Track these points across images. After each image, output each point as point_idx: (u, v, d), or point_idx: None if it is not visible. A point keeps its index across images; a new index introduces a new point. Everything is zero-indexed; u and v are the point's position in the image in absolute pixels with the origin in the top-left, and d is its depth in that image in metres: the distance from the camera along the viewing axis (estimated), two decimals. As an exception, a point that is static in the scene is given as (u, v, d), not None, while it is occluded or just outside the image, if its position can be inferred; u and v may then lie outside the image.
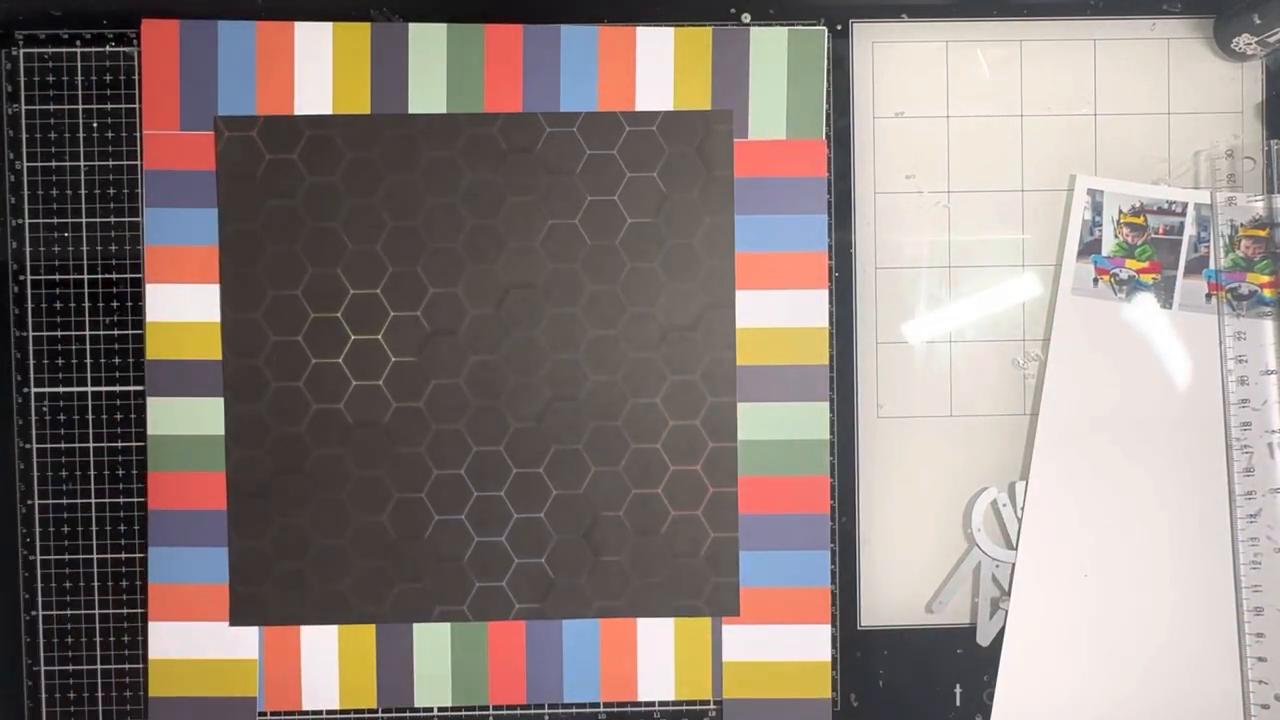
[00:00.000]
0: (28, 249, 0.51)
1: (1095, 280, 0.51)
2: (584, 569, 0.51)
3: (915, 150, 0.52)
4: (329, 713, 0.51)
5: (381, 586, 0.51)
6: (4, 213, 0.51)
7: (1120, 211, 0.50)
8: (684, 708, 0.52)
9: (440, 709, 0.51)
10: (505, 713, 0.51)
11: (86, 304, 0.51)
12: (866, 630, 0.52)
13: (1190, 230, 0.50)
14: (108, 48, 0.51)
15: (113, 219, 0.51)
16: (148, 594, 0.51)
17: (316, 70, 0.50)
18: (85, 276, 0.51)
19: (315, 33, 0.50)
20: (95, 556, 0.51)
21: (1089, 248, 0.51)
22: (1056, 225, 0.52)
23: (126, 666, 0.51)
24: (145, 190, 0.51)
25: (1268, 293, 0.50)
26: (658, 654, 0.51)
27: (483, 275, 0.51)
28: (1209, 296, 0.51)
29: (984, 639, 0.52)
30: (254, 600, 0.51)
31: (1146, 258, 0.50)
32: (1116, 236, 0.50)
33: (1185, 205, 0.49)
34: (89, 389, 0.51)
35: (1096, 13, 0.52)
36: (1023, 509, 0.51)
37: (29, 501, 0.51)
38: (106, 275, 0.51)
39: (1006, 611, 0.52)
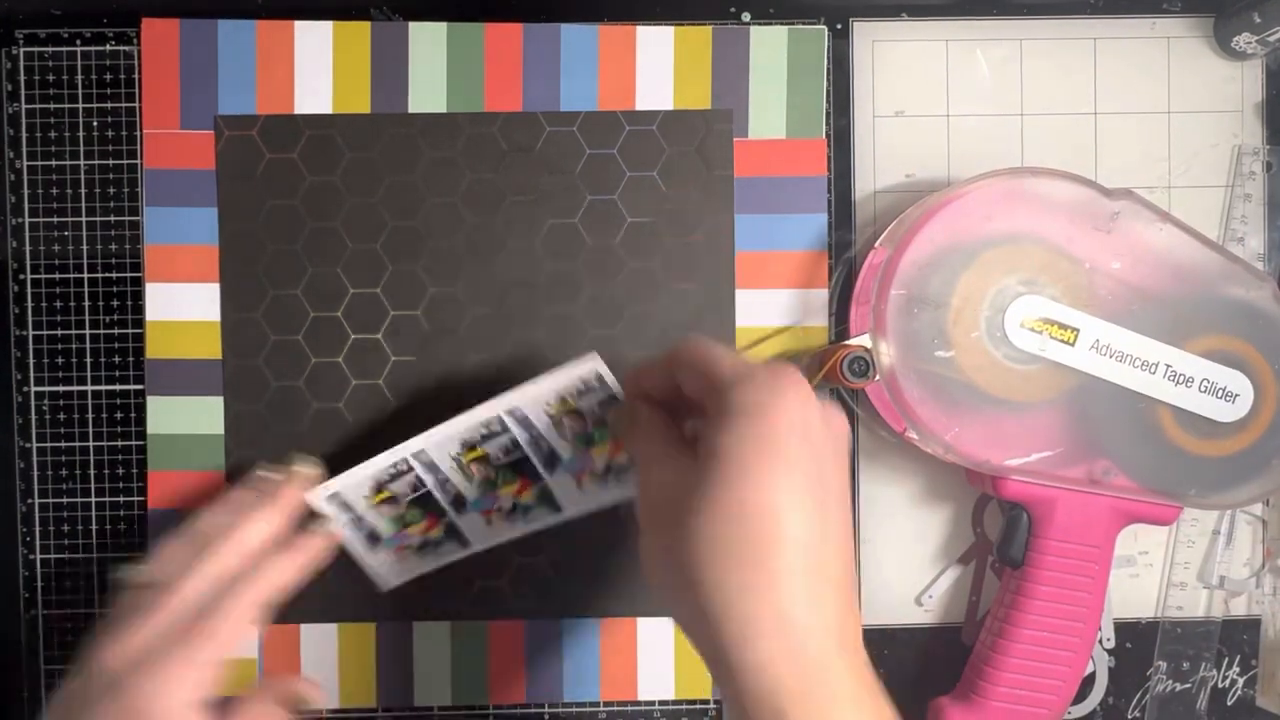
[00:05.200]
0: (28, 248, 0.51)
1: None
2: (584, 569, 0.51)
3: (915, 149, 0.52)
4: (329, 712, 0.51)
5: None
6: (4, 212, 0.51)
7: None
8: (684, 707, 0.52)
9: (440, 708, 0.51)
10: (505, 712, 0.51)
11: (86, 303, 0.51)
12: (866, 629, 0.52)
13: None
14: (108, 47, 0.51)
15: (113, 218, 0.51)
16: (148, 593, 0.51)
17: (317, 70, 0.50)
18: (85, 276, 0.51)
19: (315, 32, 0.50)
20: (95, 556, 0.51)
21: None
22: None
23: (126, 666, 0.51)
24: (145, 190, 0.50)
25: None
26: (658, 654, 0.51)
27: (483, 275, 0.51)
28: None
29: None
30: (254, 600, 0.51)
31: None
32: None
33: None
34: (89, 388, 0.51)
35: (1096, 12, 0.52)
36: None
37: (29, 501, 0.51)
38: (106, 274, 0.51)
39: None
